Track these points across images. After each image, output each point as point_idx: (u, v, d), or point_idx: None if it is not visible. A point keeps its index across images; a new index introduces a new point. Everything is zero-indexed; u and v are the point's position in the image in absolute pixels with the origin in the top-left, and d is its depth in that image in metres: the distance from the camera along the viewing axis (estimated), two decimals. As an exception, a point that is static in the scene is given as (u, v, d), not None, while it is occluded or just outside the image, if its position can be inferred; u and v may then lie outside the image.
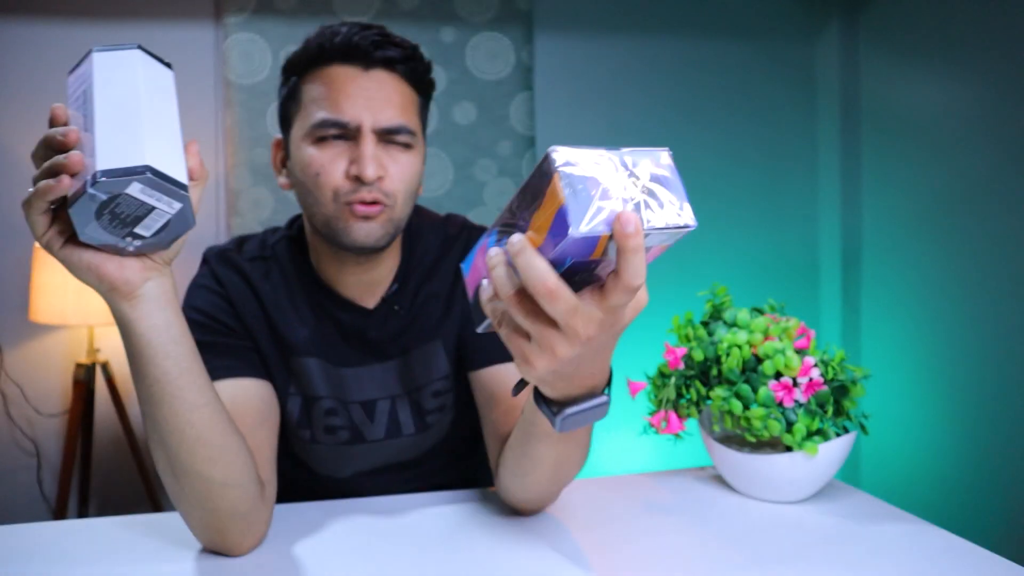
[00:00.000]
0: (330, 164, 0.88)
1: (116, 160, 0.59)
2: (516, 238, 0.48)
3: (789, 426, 0.92)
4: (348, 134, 0.88)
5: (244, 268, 0.98)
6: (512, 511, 0.92)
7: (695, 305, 1.16)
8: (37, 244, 1.87)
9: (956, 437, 2.10)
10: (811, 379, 0.91)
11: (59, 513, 1.95)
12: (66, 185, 0.59)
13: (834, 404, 0.93)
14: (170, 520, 0.88)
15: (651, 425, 0.99)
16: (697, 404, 0.99)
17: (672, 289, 2.06)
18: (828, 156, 2.51)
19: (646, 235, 0.46)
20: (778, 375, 0.93)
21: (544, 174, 0.46)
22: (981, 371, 2.02)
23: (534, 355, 0.53)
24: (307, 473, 1.04)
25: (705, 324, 1.01)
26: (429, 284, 1.01)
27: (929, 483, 2.18)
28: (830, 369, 0.93)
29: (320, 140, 0.88)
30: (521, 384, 0.67)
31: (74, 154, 0.59)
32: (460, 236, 1.04)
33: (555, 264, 0.48)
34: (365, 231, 0.88)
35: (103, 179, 0.57)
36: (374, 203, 0.87)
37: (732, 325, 0.99)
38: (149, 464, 2.08)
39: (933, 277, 2.17)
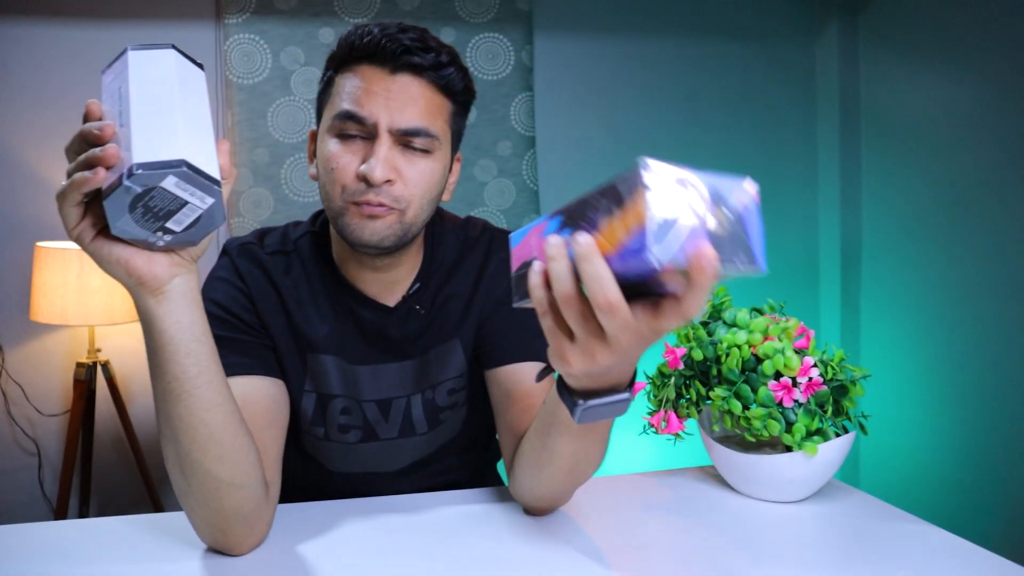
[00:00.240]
0: (344, 160, 0.87)
1: (152, 154, 0.59)
2: (585, 240, 0.47)
3: (789, 426, 0.92)
4: (367, 132, 0.87)
5: (265, 262, 0.97)
6: (519, 510, 0.92)
7: (695, 305, 1.16)
8: (37, 244, 1.88)
9: (955, 437, 2.10)
10: (810, 379, 0.91)
11: (60, 513, 1.95)
12: (102, 177, 0.59)
13: (833, 404, 0.93)
14: (171, 520, 0.88)
15: (651, 425, 1.00)
16: (697, 404, 0.99)
17: (672, 289, 2.06)
18: (828, 156, 2.51)
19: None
20: (778, 375, 0.93)
21: (631, 185, 0.44)
22: (980, 371, 2.02)
23: (573, 355, 0.53)
24: (319, 470, 1.04)
25: (705, 324, 1.02)
26: (449, 284, 1.01)
27: (928, 483, 2.18)
28: (829, 369, 0.93)
29: (341, 136, 0.88)
30: (544, 372, 0.67)
31: (111, 147, 0.60)
32: (482, 238, 1.04)
33: (615, 274, 0.47)
34: (370, 230, 0.87)
35: (139, 171, 0.58)
36: (380, 205, 0.86)
37: (732, 325, 0.99)
38: (149, 464, 2.08)
39: (932, 277, 2.17)
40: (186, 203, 0.62)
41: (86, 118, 0.63)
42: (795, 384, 0.92)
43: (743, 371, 0.95)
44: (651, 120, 2.42)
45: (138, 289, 0.67)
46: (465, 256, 1.02)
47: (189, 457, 0.72)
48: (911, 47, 2.23)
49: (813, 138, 2.54)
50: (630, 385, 0.61)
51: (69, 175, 0.61)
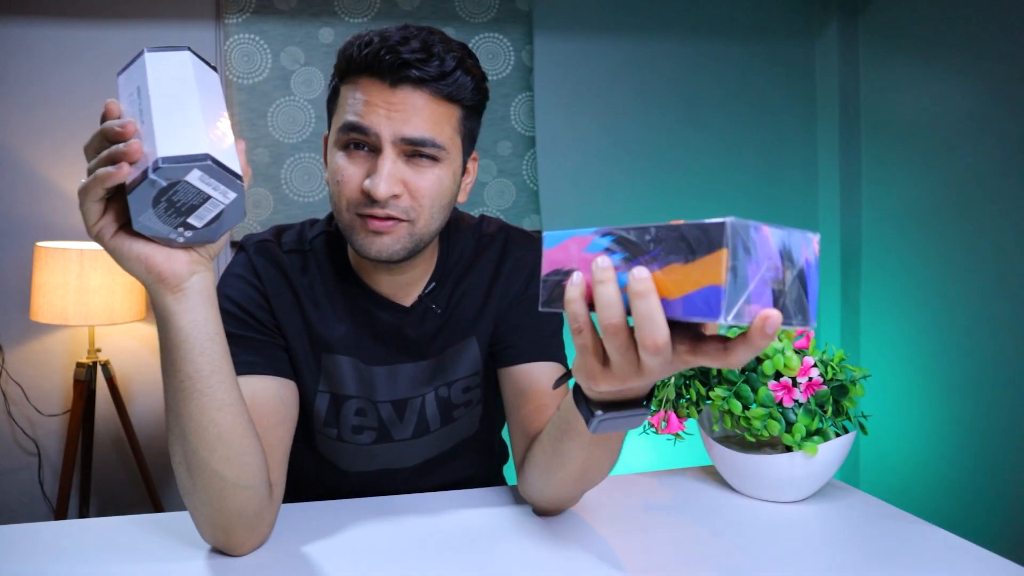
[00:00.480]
0: (350, 173, 0.85)
1: (176, 148, 0.60)
2: (642, 275, 0.46)
3: (788, 426, 0.93)
4: (372, 144, 0.85)
5: (282, 261, 0.96)
6: (521, 510, 0.92)
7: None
8: (37, 244, 1.88)
9: (955, 437, 2.10)
10: (810, 379, 0.91)
11: (60, 513, 1.95)
12: (125, 172, 0.60)
13: (833, 404, 0.93)
14: (171, 520, 0.88)
15: (651, 425, 1.00)
16: (697, 404, 0.99)
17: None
18: (827, 157, 2.51)
19: None
20: (777, 375, 0.93)
21: (711, 239, 0.44)
22: (980, 371, 2.02)
23: (603, 378, 0.53)
24: (332, 469, 1.03)
25: (705, 324, 1.01)
26: (465, 282, 1.00)
27: (928, 483, 2.18)
28: (829, 369, 0.93)
29: (347, 147, 0.86)
30: (561, 379, 0.67)
31: (134, 142, 0.60)
32: (497, 236, 1.03)
33: (667, 314, 0.47)
34: (378, 246, 0.86)
35: (164, 165, 0.59)
36: (387, 219, 0.85)
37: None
38: (150, 464, 2.08)
39: (932, 277, 2.17)
40: (208, 197, 0.62)
41: (105, 117, 0.63)
42: (795, 384, 0.92)
43: (743, 371, 0.95)
44: (651, 120, 2.42)
45: (157, 286, 0.67)
46: (480, 254, 1.02)
47: (196, 456, 0.72)
48: (911, 47, 2.23)
49: (813, 138, 2.55)
50: (648, 399, 0.61)
51: (90, 172, 0.61)
